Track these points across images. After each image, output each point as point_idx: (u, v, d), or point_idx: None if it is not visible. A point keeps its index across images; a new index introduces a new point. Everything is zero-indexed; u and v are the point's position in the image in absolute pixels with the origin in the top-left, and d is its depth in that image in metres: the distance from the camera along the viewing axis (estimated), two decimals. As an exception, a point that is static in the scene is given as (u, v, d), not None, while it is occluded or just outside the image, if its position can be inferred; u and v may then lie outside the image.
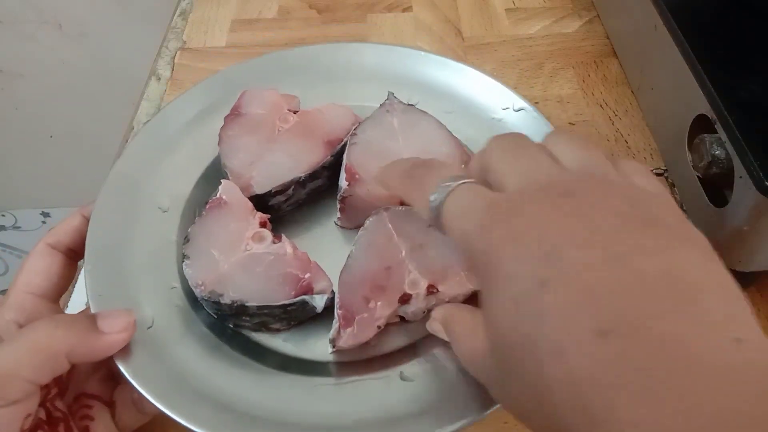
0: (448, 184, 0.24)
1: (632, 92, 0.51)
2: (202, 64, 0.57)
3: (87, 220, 0.33)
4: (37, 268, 0.31)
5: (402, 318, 0.33)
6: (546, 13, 0.60)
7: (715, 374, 0.16)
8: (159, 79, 0.56)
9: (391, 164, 0.30)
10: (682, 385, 0.16)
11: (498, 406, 0.28)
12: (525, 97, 0.40)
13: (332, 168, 0.37)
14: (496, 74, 0.54)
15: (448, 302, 0.31)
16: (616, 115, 0.50)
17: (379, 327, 0.31)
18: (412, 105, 0.38)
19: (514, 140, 0.25)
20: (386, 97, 0.39)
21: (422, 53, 0.43)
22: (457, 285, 0.31)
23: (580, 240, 0.19)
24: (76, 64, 0.92)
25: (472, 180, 0.24)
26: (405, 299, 0.31)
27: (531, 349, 0.19)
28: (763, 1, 0.39)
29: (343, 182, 0.35)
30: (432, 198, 0.24)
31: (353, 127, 0.38)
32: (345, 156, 0.36)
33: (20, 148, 1.04)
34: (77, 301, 0.40)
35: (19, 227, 1.17)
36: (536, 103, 0.51)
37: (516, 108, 0.40)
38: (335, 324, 0.31)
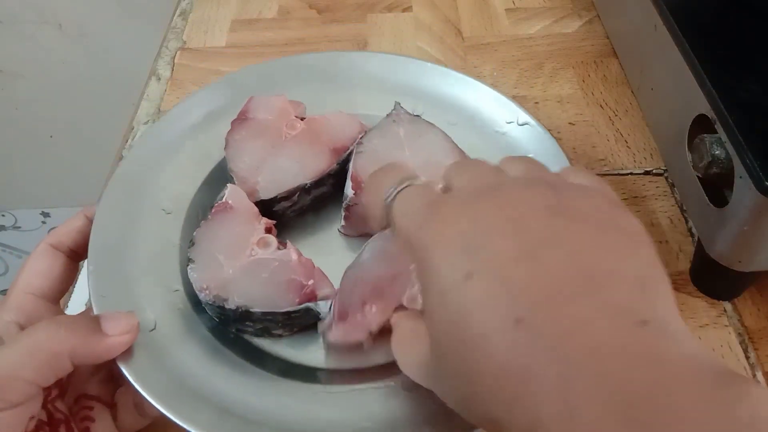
0: (398, 186, 0.25)
1: (632, 92, 0.51)
2: (202, 64, 0.57)
3: (90, 221, 0.33)
4: (38, 268, 0.30)
5: None
6: (546, 13, 0.60)
7: (616, 357, 0.17)
8: (159, 79, 0.56)
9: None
10: (586, 367, 0.17)
11: None
12: (529, 112, 0.40)
13: (337, 176, 0.37)
14: (496, 74, 0.54)
15: None
16: (616, 115, 0.50)
17: (370, 333, 0.30)
18: (418, 116, 0.39)
19: (470, 160, 0.27)
20: (393, 107, 0.39)
21: (428, 64, 0.43)
22: None
23: (503, 234, 0.20)
24: (76, 64, 0.92)
25: (421, 182, 0.25)
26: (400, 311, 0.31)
27: (459, 340, 0.20)
28: (763, 1, 0.39)
29: (349, 191, 0.35)
30: (385, 198, 0.25)
31: (359, 136, 0.38)
32: (351, 164, 0.36)
33: (20, 148, 1.04)
34: (77, 301, 0.40)
35: (19, 227, 1.17)
36: (536, 103, 0.51)
37: (520, 122, 0.40)
38: (328, 316, 0.31)
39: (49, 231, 0.33)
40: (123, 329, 0.28)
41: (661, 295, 0.20)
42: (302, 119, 0.39)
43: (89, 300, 0.40)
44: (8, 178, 1.09)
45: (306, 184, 0.36)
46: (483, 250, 0.20)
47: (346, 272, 0.32)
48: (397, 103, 0.39)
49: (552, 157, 0.38)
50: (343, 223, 0.37)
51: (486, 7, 0.61)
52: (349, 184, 0.35)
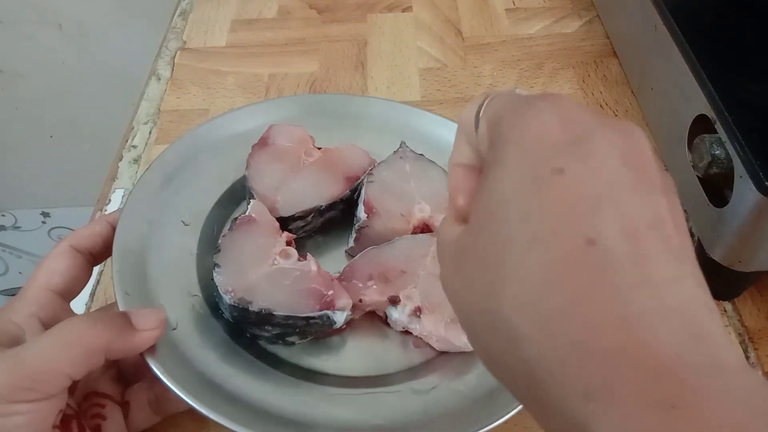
0: (489, 96, 0.23)
1: (632, 92, 0.51)
2: (202, 64, 0.57)
3: (112, 227, 0.34)
4: (58, 267, 0.31)
5: (386, 321, 0.36)
6: (546, 13, 0.60)
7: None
8: (159, 79, 0.56)
9: None
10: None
11: (503, 419, 0.30)
12: None
13: (348, 202, 0.40)
14: (496, 74, 0.54)
15: (422, 337, 0.35)
16: (616, 115, 0.50)
17: (360, 301, 0.34)
18: (421, 154, 0.42)
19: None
20: (399, 146, 0.42)
21: (428, 114, 0.47)
22: (434, 323, 0.34)
23: (608, 138, 0.18)
24: (76, 64, 0.92)
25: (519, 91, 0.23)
26: (393, 301, 0.35)
27: (508, 233, 0.18)
28: (763, 1, 0.39)
29: (361, 214, 0.38)
30: (476, 114, 0.23)
31: (370, 168, 0.41)
32: (363, 192, 0.39)
33: (20, 148, 1.03)
34: (77, 301, 0.40)
35: (19, 227, 1.17)
36: (536, 103, 0.51)
37: None
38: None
39: (51, 230, 0.33)
40: (153, 324, 0.29)
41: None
42: (318, 149, 0.42)
43: (89, 300, 0.40)
44: (8, 178, 1.09)
45: (321, 206, 0.39)
46: (588, 146, 0.18)
47: (370, 249, 0.36)
48: (403, 143, 0.42)
49: None
50: (352, 244, 0.39)
51: (486, 7, 0.61)
52: (361, 208, 0.39)
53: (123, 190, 0.47)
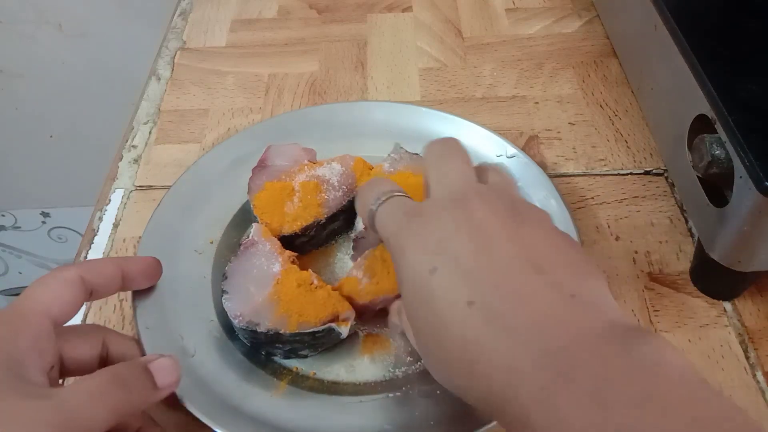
0: (381, 197, 0.29)
1: (632, 92, 0.51)
2: (202, 64, 0.57)
3: (121, 273, 0.33)
4: (64, 296, 0.30)
5: None
6: (546, 13, 0.60)
7: (549, 324, 0.22)
8: (159, 79, 0.56)
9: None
10: (525, 333, 0.22)
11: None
12: (516, 146, 0.44)
13: (348, 211, 0.41)
14: (496, 74, 0.54)
15: None
16: (616, 115, 0.50)
17: (369, 302, 0.36)
18: (416, 154, 0.42)
19: (446, 149, 0.30)
20: (393, 148, 0.42)
21: (424, 109, 0.47)
22: None
23: (464, 235, 0.25)
24: (76, 64, 0.92)
25: (401, 194, 0.30)
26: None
27: (427, 321, 0.24)
28: (763, 1, 0.39)
29: (359, 225, 0.39)
30: (369, 209, 0.30)
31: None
32: None
33: (20, 148, 1.03)
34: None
35: (19, 227, 1.17)
36: (536, 103, 0.51)
37: (509, 155, 0.44)
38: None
39: (50, 230, 0.33)
40: (172, 380, 0.29)
41: (591, 278, 0.24)
42: (314, 164, 0.43)
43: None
44: (8, 178, 1.08)
45: (321, 221, 0.40)
46: (446, 250, 0.25)
47: (366, 252, 0.37)
48: (397, 144, 0.42)
49: (537, 184, 0.42)
50: (353, 252, 0.40)
51: (486, 7, 0.61)
52: (358, 219, 0.40)
53: (123, 190, 0.47)
